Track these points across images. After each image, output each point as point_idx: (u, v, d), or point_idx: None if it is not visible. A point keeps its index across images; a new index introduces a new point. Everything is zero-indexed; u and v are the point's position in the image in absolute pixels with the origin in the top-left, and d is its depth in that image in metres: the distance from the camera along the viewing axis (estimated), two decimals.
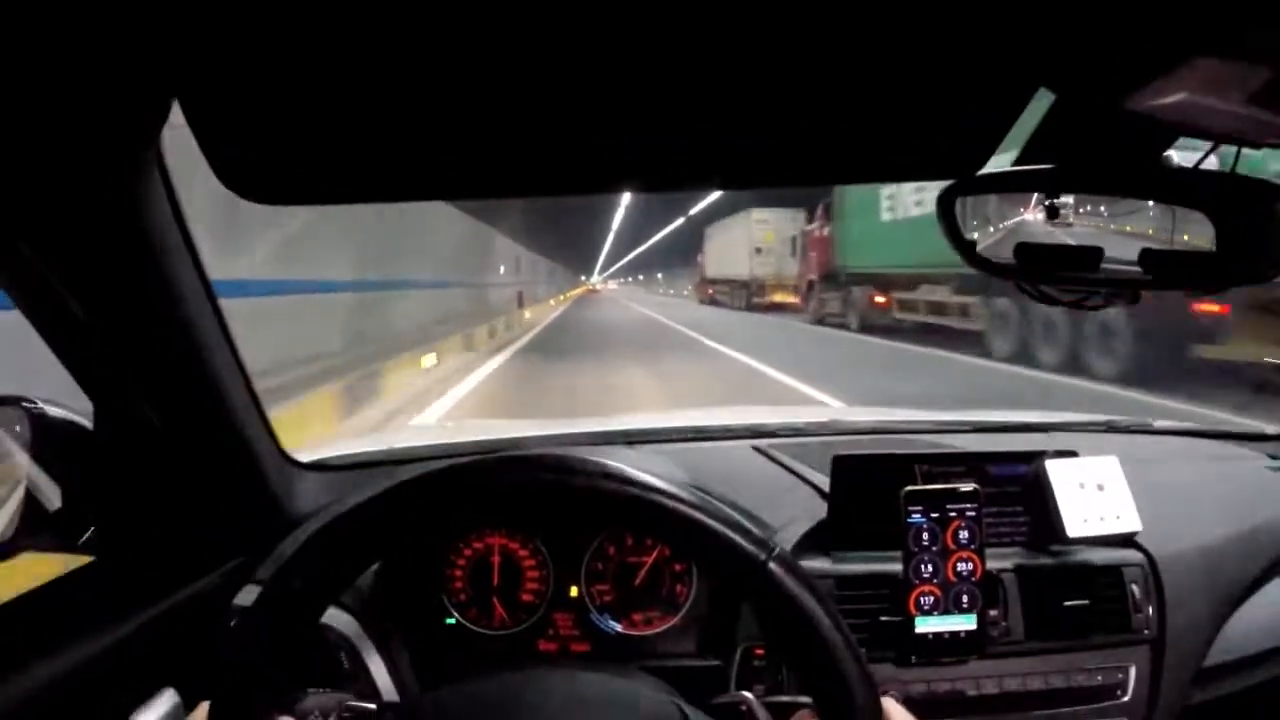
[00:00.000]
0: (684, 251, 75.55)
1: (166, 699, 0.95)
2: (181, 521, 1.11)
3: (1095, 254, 0.89)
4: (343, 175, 0.72)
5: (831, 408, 6.10)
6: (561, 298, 50.91)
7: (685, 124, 0.67)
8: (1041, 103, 0.74)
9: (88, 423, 1.03)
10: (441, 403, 8.57)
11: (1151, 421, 1.91)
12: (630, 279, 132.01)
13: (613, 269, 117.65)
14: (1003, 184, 0.89)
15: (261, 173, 0.70)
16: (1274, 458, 1.70)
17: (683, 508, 0.70)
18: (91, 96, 0.70)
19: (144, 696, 0.94)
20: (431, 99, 0.63)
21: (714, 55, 0.61)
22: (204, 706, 0.71)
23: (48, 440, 1.00)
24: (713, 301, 33.13)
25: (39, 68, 0.64)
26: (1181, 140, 0.84)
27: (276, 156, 0.68)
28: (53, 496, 1.00)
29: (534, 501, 0.73)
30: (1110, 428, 1.85)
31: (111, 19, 0.58)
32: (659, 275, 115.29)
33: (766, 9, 0.57)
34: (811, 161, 0.74)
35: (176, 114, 0.67)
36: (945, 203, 0.87)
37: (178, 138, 0.72)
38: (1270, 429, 1.85)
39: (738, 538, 0.70)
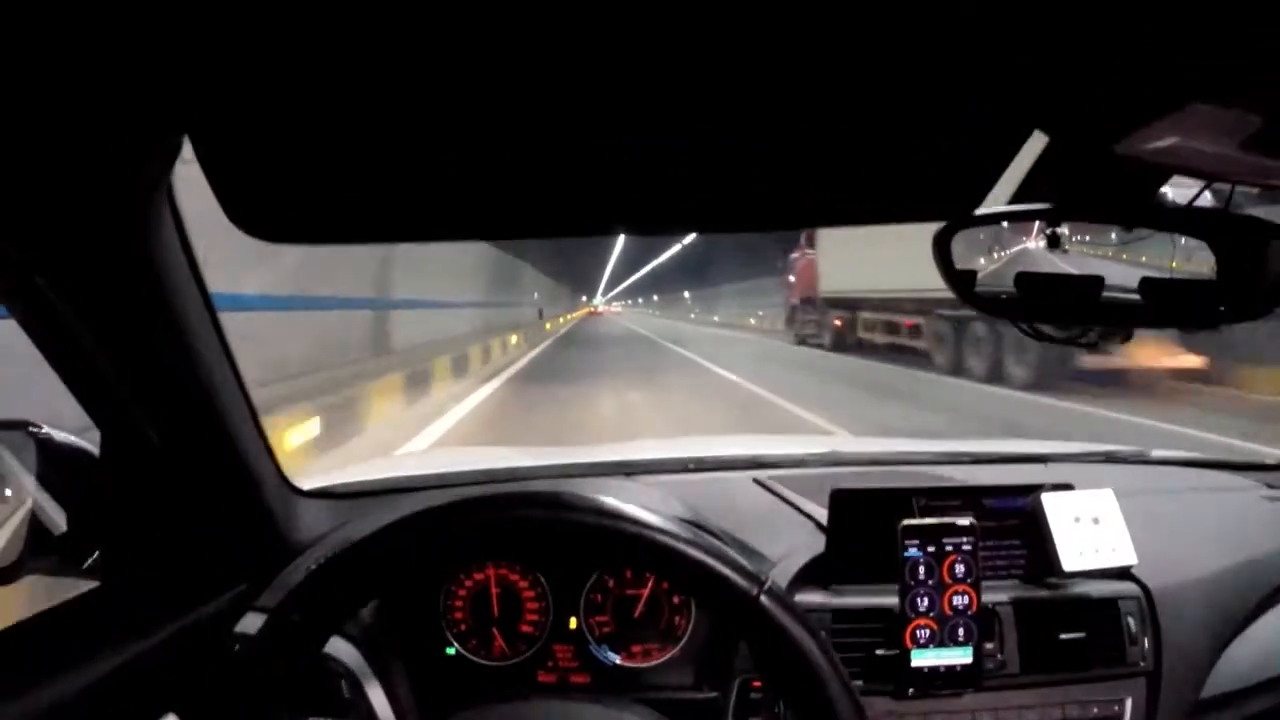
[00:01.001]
0: (683, 276, 74.18)
1: None
2: (185, 547, 1.11)
3: (1095, 282, 0.90)
4: (348, 216, 0.73)
5: (831, 438, 6.11)
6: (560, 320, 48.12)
7: (683, 170, 0.69)
8: (1036, 142, 0.75)
9: (93, 448, 1.04)
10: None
11: (1149, 452, 1.91)
12: (632, 301, 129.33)
13: (615, 291, 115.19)
14: (997, 224, 0.90)
15: (268, 211, 0.71)
16: (1272, 487, 1.69)
17: (676, 543, 0.71)
18: (103, 132, 0.71)
19: None
20: (438, 144, 0.65)
21: (711, 102, 0.62)
22: None
23: (53, 464, 1.01)
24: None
25: (51, 103, 0.65)
26: (1177, 177, 0.85)
27: (283, 196, 0.69)
28: (58, 520, 1.01)
29: (532, 536, 0.74)
30: (1108, 458, 1.86)
31: (124, 55, 0.59)
32: (655, 297, 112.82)
33: (762, 54, 0.58)
34: (807, 205, 0.75)
35: (188, 150, 0.69)
36: (941, 242, 0.88)
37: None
38: (1269, 459, 1.85)
39: (730, 572, 0.71)
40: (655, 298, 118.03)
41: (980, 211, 0.80)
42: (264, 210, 0.70)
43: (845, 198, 0.75)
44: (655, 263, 74.93)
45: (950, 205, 0.78)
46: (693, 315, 73.42)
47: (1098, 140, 0.73)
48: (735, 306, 56.37)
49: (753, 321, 45.30)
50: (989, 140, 0.68)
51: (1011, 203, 0.87)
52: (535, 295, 43.45)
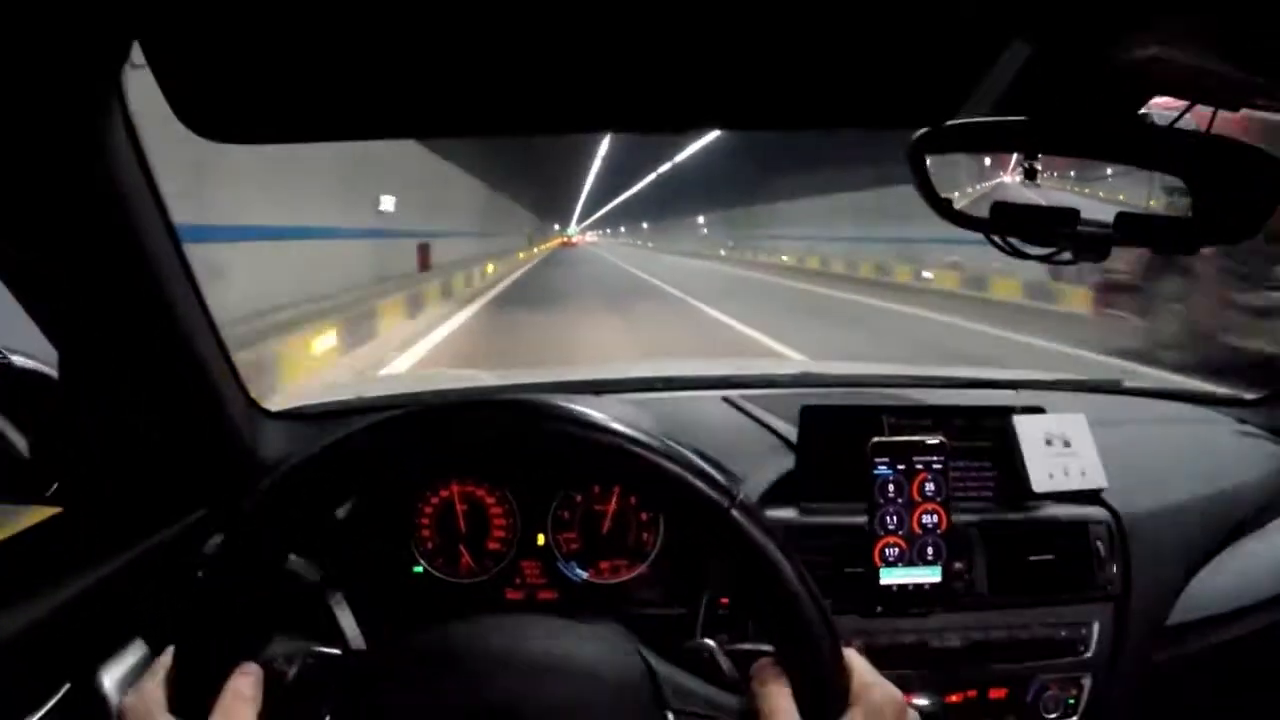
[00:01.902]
0: (668, 202, 64.94)
1: (135, 650, 0.95)
2: (148, 471, 1.10)
3: (1071, 215, 0.89)
4: (307, 112, 0.71)
5: (801, 361, 6.13)
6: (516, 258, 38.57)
7: (655, 63, 0.67)
8: (1017, 52, 0.74)
9: (51, 371, 1.02)
10: None
11: (1122, 381, 1.93)
12: (610, 230, 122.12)
13: (591, 219, 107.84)
14: (974, 136, 0.89)
15: (221, 111, 0.69)
16: (1242, 422, 1.71)
17: (646, 453, 0.70)
18: (50, 37, 0.68)
19: (112, 648, 0.94)
20: (397, 29, 0.62)
21: None
22: (168, 653, 0.71)
23: (13, 390, 0.99)
24: None
25: None
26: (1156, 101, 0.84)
27: (237, 93, 0.67)
28: (18, 445, 0.99)
29: (498, 446, 0.73)
30: (1080, 386, 1.87)
31: None
32: (643, 225, 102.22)
33: None
34: (778, 105, 0.74)
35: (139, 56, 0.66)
36: (915, 153, 0.86)
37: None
38: (1241, 394, 1.87)
39: (700, 484, 0.70)
40: (623, 229, 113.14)
41: (954, 122, 0.78)
42: (215, 108, 0.68)
43: (820, 98, 0.73)
44: (620, 199, 73.13)
45: (927, 112, 0.77)
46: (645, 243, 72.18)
47: (1080, 51, 0.71)
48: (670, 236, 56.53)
49: (722, 253, 45.90)
50: (968, 46, 0.66)
51: (990, 115, 0.85)
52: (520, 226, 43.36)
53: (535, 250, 50.34)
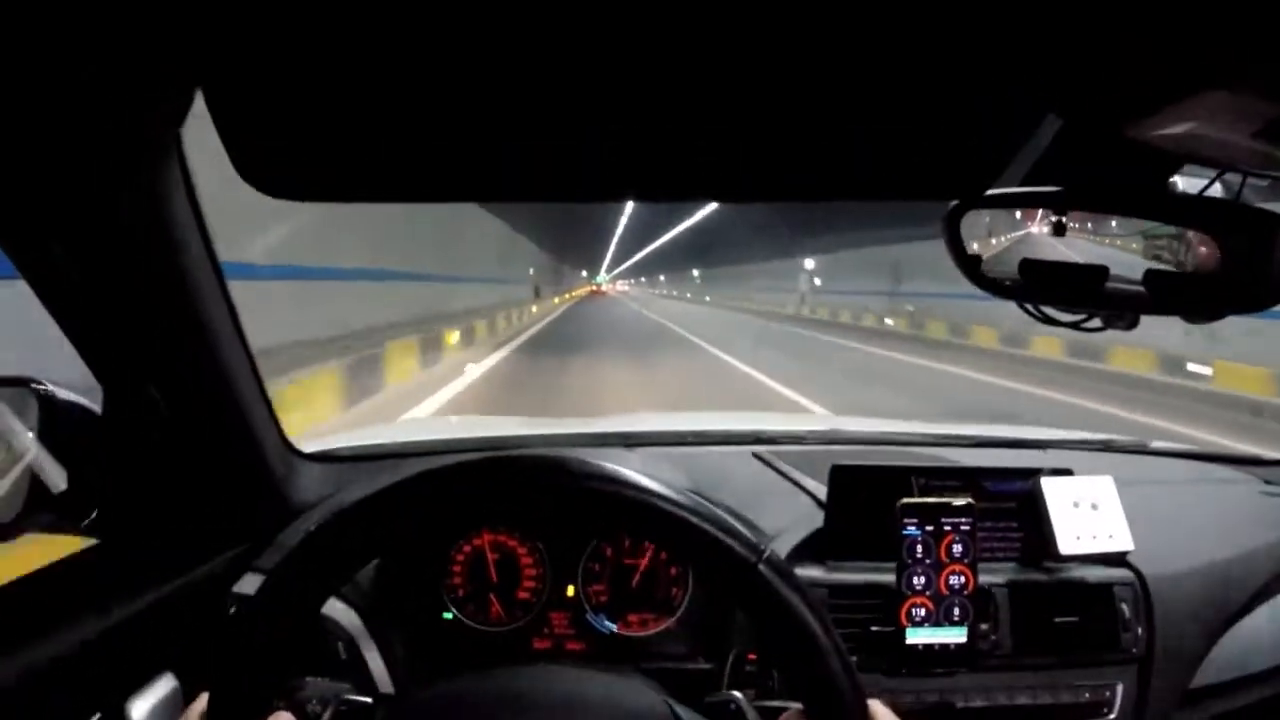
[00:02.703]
0: (696, 253, 63.93)
1: (164, 684, 0.96)
2: (185, 507, 1.12)
3: (1100, 272, 0.90)
4: (358, 174, 0.73)
5: (832, 417, 6.11)
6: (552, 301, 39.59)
7: (697, 136, 0.68)
8: (1049, 126, 0.75)
9: (95, 406, 1.04)
10: None
11: (1148, 442, 1.92)
12: (643, 279, 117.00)
13: (620, 268, 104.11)
14: (1008, 206, 0.90)
15: (279, 168, 0.71)
16: (1269, 483, 1.70)
17: (676, 510, 0.71)
18: (116, 84, 0.71)
19: (142, 681, 0.95)
20: (450, 102, 0.64)
21: (727, 70, 0.62)
22: (203, 697, 0.72)
23: (55, 422, 1.01)
24: None
25: (65, 58, 0.65)
26: (1188, 167, 0.85)
27: (294, 152, 0.69)
28: (58, 478, 1.01)
29: (532, 501, 0.74)
30: (1107, 447, 1.86)
31: (137, 8, 0.59)
32: (660, 277, 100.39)
33: (780, 27, 0.58)
34: (817, 178, 0.75)
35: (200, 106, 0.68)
36: (951, 222, 0.88)
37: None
38: (1267, 454, 1.85)
39: (729, 540, 0.71)
40: (662, 278, 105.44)
41: (991, 192, 0.79)
42: (274, 166, 0.70)
43: (859, 173, 0.75)
44: (649, 249, 69.38)
45: (962, 186, 0.78)
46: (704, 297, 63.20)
47: (1110, 125, 0.72)
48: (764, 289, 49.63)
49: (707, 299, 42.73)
50: (1002, 122, 0.68)
51: (1022, 186, 0.86)
52: (531, 271, 38.28)
53: (555, 301, 43.99)
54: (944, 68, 0.62)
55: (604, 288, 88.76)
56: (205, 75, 0.64)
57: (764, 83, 0.63)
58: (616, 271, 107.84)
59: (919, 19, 0.57)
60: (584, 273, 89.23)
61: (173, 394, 1.03)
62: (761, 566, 0.70)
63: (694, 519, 0.71)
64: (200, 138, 0.77)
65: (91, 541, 1.08)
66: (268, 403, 1.16)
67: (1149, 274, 0.90)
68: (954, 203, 0.86)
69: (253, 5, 0.55)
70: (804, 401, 9.13)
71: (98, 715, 0.89)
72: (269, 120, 0.65)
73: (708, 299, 66.55)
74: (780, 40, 0.59)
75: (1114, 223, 0.97)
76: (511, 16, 0.56)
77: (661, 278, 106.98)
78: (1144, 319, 0.93)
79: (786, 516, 1.38)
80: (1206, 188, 0.85)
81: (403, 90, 0.63)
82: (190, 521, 1.13)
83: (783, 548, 1.31)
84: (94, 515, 1.06)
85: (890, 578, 1.23)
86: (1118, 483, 1.39)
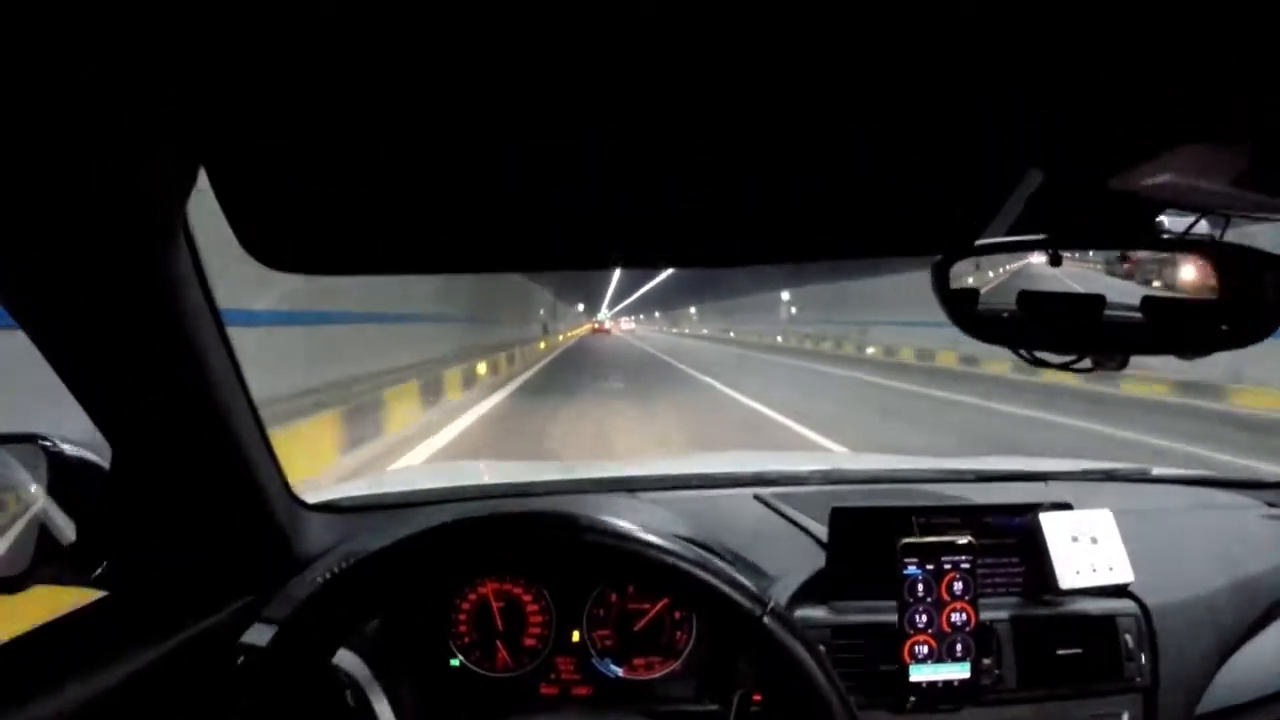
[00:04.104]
0: (692, 289, 66.31)
1: None
2: (192, 559, 1.13)
3: (1097, 301, 0.91)
4: (361, 248, 0.75)
5: (832, 454, 6.09)
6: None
7: (686, 204, 0.70)
8: (1033, 177, 0.77)
9: (102, 462, 1.06)
10: None
11: (1149, 469, 1.92)
12: (640, 316, 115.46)
13: (621, 305, 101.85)
14: (995, 254, 0.91)
15: (283, 242, 0.73)
16: (1272, 505, 1.70)
17: (682, 564, 0.73)
18: (121, 162, 0.73)
19: None
20: (447, 179, 0.66)
21: (714, 139, 0.64)
22: None
23: (62, 476, 1.02)
24: None
25: (70, 135, 0.66)
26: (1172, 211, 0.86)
27: (296, 228, 0.71)
28: (66, 531, 1.02)
29: (540, 555, 0.76)
30: (1107, 476, 1.86)
31: (142, 85, 0.60)
32: (656, 314, 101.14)
33: (765, 94, 0.59)
34: (807, 239, 0.77)
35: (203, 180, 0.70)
36: (939, 273, 0.89)
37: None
38: (1268, 477, 1.86)
39: (733, 593, 0.72)
40: (658, 315, 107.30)
41: (978, 243, 0.81)
42: (277, 240, 0.72)
43: (846, 232, 0.77)
44: (649, 286, 68.93)
45: (948, 239, 0.80)
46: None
47: (1093, 175, 0.74)
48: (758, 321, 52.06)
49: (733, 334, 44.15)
50: (986, 176, 0.69)
51: (1008, 234, 0.88)
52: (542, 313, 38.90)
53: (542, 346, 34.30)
54: (927, 126, 0.64)
55: (606, 324, 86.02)
56: (208, 154, 0.66)
57: (754, 148, 0.65)
58: (618, 308, 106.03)
59: (900, 80, 0.58)
60: (580, 307, 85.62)
61: (178, 448, 1.04)
62: (766, 618, 0.72)
63: (699, 573, 0.72)
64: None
65: (100, 594, 1.09)
66: (272, 455, 1.17)
67: (1145, 300, 0.91)
68: (939, 258, 0.88)
69: (253, 83, 0.57)
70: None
71: None
72: (271, 197, 0.67)
73: (705, 331, 73.96)
74: (767, 105, 0.61)
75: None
76: (500, 96, 0.58)
77: (656, 314, 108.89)
78: None
79: (789, 558, 1.39)
80: (1191, 226, 0.87)
81: (401, 168, 0.65)
82: (197, 573, 1.13)
83: (785, 590, 1.31)
84: (102, 568, 1.07)
85: (893, 617, 1.24)
86: (1118, 512, 1.40)
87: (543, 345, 33.08)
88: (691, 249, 0.77)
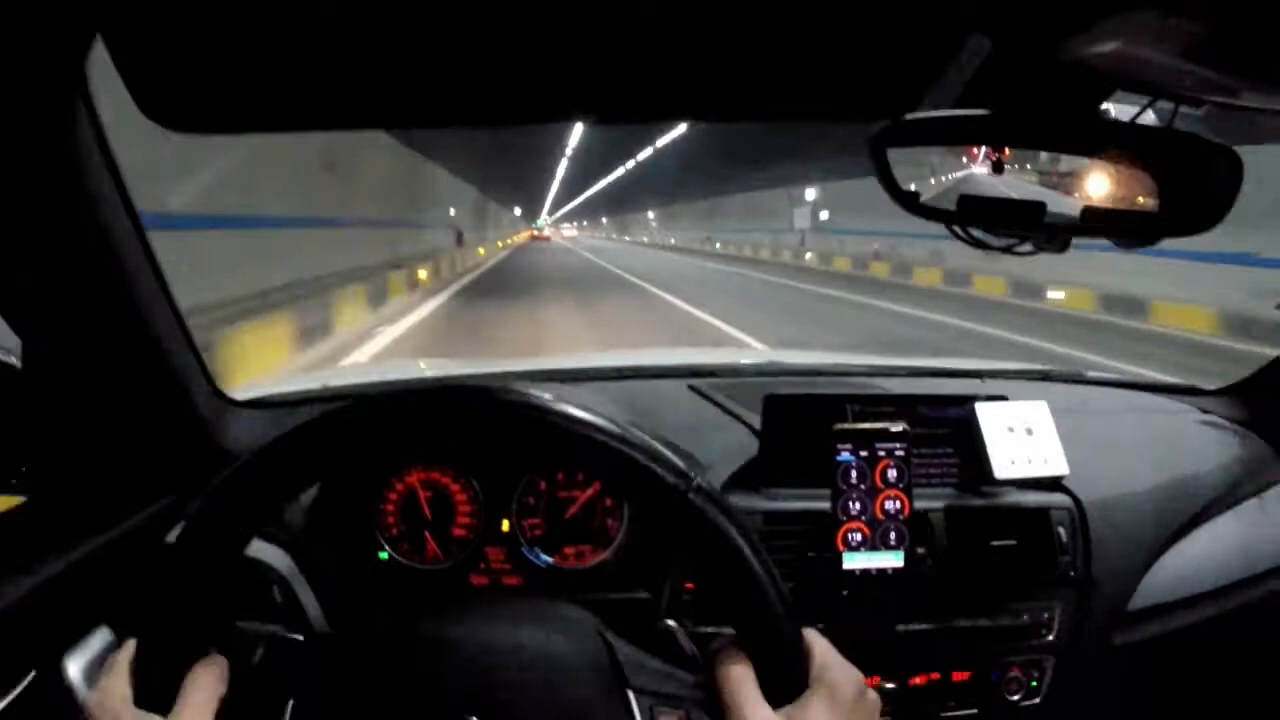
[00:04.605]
0: (646, 192, 54.15)
1: (100, 638, 0.94)
2: (114, 459, 1.10)
3: (1037, 208, 0.91)
4: (267, 102, 0.71)
5: (769, 351, 6.14)
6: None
7: (621, 55, 0.67)
8: (978, 45, 0.74)
9: (14, 360, 1.01)
10: None
11: (1084, 372, 1.95)
12: (584, 223, 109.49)
13: (564, 210, 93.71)
14: (935, 129, 0.89)
15: (184, 101, 0.68)
16: (1205, 412, 1.74)
17: (605, 438, 0.71)
18: (13, 30, 0.68)
19: (78, 636, 0.93)
20: (360, 17, 0.62)
21: None
22: (130, 645, 0.71)
23: None
24: None
25: None
26: (1120, 94, 0.85)
27: (196, 83, 0.67)
28: None
29: (458, 432, 0.74)
30: (1043, 376, 1.89)
31: None
32: (604, 220, 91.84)
33: None
34: (743, 96, 0.74)
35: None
36: (877, 145, 0.87)
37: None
38: (1204, 385, 1.90)
39: (659, 469, 0.71)
40: (604, 220, 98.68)
41: (916, 115, 0.79)
42: (177, 99, 0.67)
43: (783, 91, 0.74)
44: (599, 187, 58.61)
45: (888, 105, 0.77)
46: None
47: (1040, 45, 0.72)
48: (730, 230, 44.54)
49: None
50: (929, 39, 0.67)
51: (952, 108, 0.86)
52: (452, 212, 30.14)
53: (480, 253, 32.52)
54: None
55: (546, 232, 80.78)
56: (103, 14, 0.61)
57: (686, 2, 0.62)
58: (560, 214, 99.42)
59: None
60: (518, 211, 77.60)
61: (93, 345, 1.00)
62: (691, 494, 0.71)
63: (623, 447, 0.71)
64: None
65: (19, 500, 1.06)
66: (195, 349, 1.13)
67: (1085, 211, 0.91)
68: (880, 125, 0.86)
69: None
70: None
71: (33, 673, 0.88)
72: (168, 51, 0.63)
73: (673, 241, 61.71)
74: None
75: (1043, 156, 0.98)
76: None
77: (604, 220, 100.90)
78: None
79: (723, 447, 1.40)
80: (1139, 114, 0.86)
81: (301, 10, 0.61)
82: (121, 473, 1.10)
83: (718, 477, 1.32)
84: (21, 472, 1.03)
85: (826, 505, 1.25)
86: (1054, 411, 1.42)
87: (452, 263, 23.45)
88: (622, 102, 0.74)
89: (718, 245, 46.96)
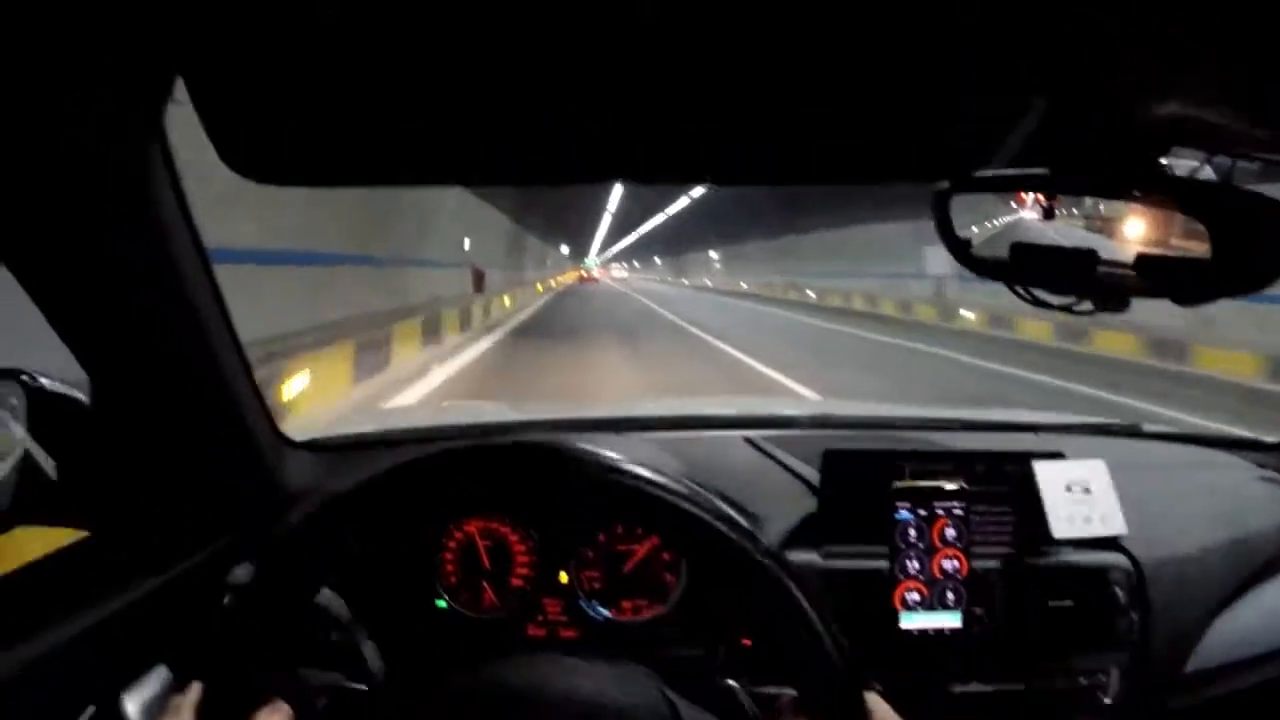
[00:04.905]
0: (708, 229, 47.69)
1: (158, 676, 0.96)
2: (176, 497, 1.12)
3: (1089, 256, 0.90)
4: (342, 157, 0.72)
5: (823, 401, 6.10)
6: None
7: (684, 118, 0.68)
8: (1037, 108, 0.74)
9: (84, 397, 1.04)
10: None
11: (1141, 425, 1.92)
12: (638, 263, 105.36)
13: (614, 249, 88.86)
14: (996, 188, 0.90)
15: (263, 152, 0.70)
16: (1264, 467, 1.70)
17: (671, 497, 0.71)
18: (96, 73, 0.70)
19: (136, 674, 0.95)
20: (434, 84, 0.64)
21: (716, 51, 0.61)
22: (195, 687, 0.72)
23: (44, 413, 1.01)
24: None
25: (44, 44, 0.64)
26: (1178, 150, 0.85)
27: (278, 136, 0.68)
28: (48, 470, 1.01)
29: (525, 487, 0.74)
30: (1100, 430, 1.86)
31: None
32: (658, 260, 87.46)
33: (769, 10, 0.57)
34: (807, 161, 0.75)
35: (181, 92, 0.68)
36: (939, 204, 0.87)
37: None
38: (1262, 438, 1.85)
39: (726, 529, 0.71)
40: (659, 262, 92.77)
41: (979, 174, 0.79)
42: (256, 150, 0.69)
43: (848, 156, 0.74)
44: (646, 228, 55.10)
45: (950, 168, 0.78)
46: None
47: (1098, 108, 0.72)
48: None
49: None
50: (990, 105, 0.67)
51: (1010, 168, 0.86)
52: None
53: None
54: (933, 50, 0.61)
55: (594, 272, 77.36)
56: (185, 61, 0.64)
57: (754, 65, 0.62)
58: (610, 253, 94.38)
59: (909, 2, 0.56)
60: (564, 248, 71.01)
61: (161, 384, 1.03)
62: (758, 555, 0.71)
63: (690, 507, 0.71)
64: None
65: (83, 534, 1.08)
66: (257, 392, 1.15)
67: (1139, 259, 0.90)
68: (942, 185, 0.86)
69: None
70: None
71: (91, 709, 0.89)
72: (250, 104, 0.65)
73: (744, 285, 49.61)
74: (771, 24, 0.58)
75: (1102, 206, 0.97)
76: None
77: (659, 260, 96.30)
78: None
79: (779, 502, 1.38)
80: (1196, 170, 0.85)
81: (382, 71, 0.62)
82: (181, 511, 1.12)
83: (776, 532, 1.31)
84: (85, 507, 1.05)
85: (883, 563, 1.24)
86: (1111, 466, 1.39)
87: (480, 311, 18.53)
88: (685, 166, 0.75)
89: (810, 294, 35.90)
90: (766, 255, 46.88)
